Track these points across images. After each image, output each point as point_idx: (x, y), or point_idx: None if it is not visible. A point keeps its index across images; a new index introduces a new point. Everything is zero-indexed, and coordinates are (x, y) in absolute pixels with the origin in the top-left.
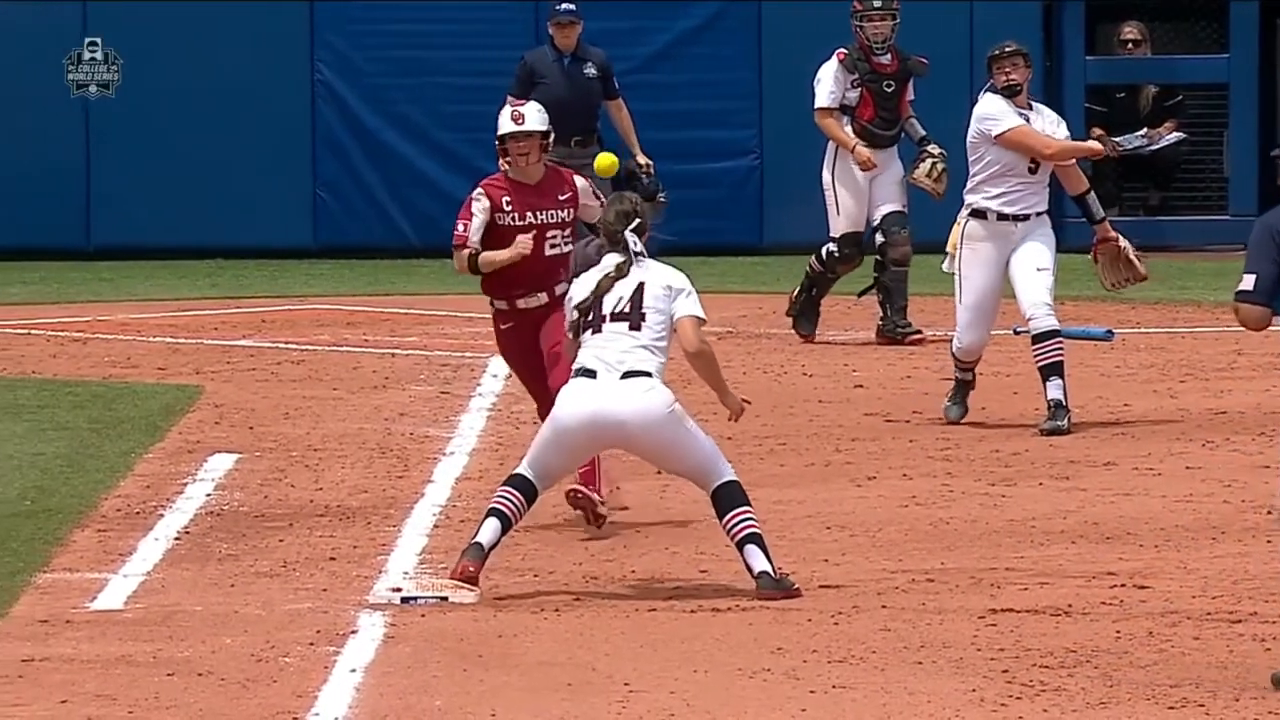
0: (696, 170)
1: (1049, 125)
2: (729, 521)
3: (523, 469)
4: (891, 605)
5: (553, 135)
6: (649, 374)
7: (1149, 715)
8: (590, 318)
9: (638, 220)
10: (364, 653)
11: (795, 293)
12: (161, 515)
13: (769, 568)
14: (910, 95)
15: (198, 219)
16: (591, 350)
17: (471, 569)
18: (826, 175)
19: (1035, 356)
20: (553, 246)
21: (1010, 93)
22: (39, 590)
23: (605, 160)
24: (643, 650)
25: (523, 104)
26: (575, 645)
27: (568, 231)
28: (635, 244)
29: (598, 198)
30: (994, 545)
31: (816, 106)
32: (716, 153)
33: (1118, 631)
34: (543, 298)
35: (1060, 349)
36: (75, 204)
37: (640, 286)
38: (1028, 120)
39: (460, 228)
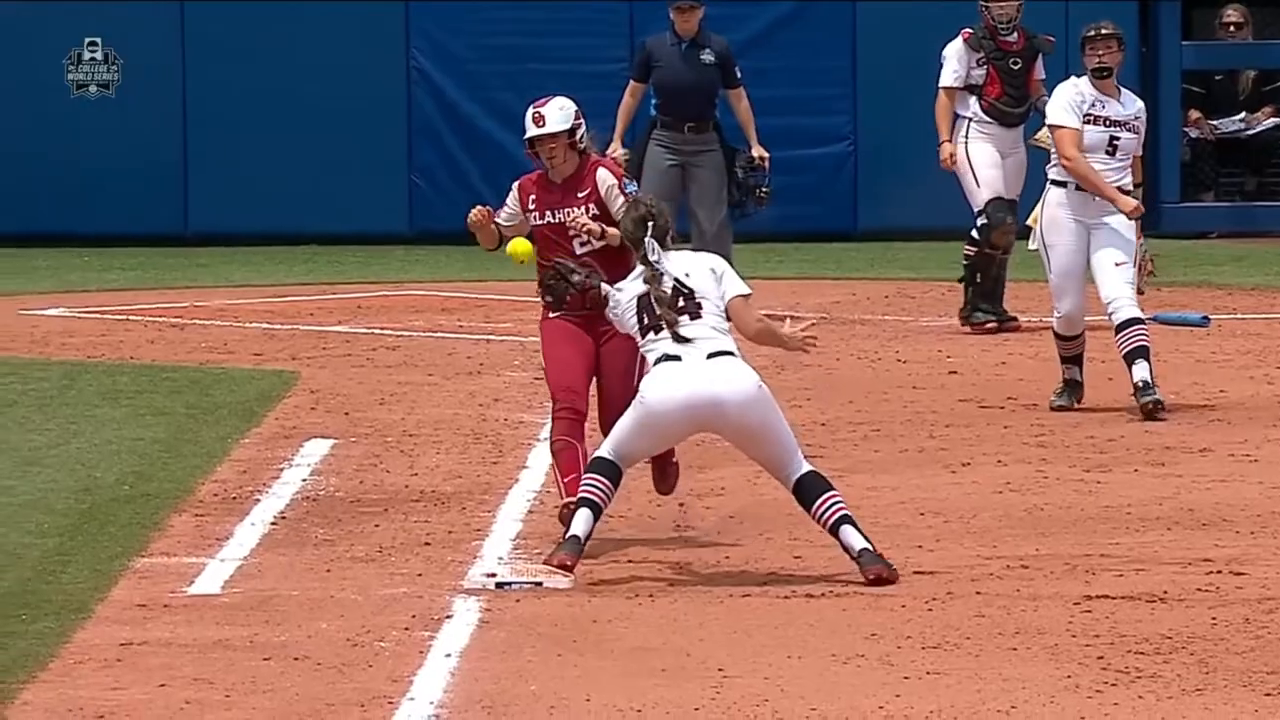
0: (790, 157)
1: (1127, 114)
2: (819, 507)
3: (605, 453)
4: (986, 591)
5: (582, 131)
6: (732, 352)
7: (1245, 702)
8: (648, 321)
9: (653, 224)
10: (459, 638)
11: (965, 291)
12: (258, 500)
13: (869, 544)
14: (1040, 74)
15: (294, 205)
16: (665, 340)
17: (569, 562)
18: (960, 152)
19: (1119, 344)
20: (583, 245)
21: (1099, 75)
22: (137, 575)
23: (518, 247)
24: (737, 636)
25: (546, 102)
26: (669, 631)
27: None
28: (654, 250)
29: (623, 193)
30: (1089, 531)
31: (941, 85)
32: (810, 139)
33: (1213, 618)
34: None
35: (1144, 334)
36: (173, 191)
37: (685, 278)
38: (1102, 106)
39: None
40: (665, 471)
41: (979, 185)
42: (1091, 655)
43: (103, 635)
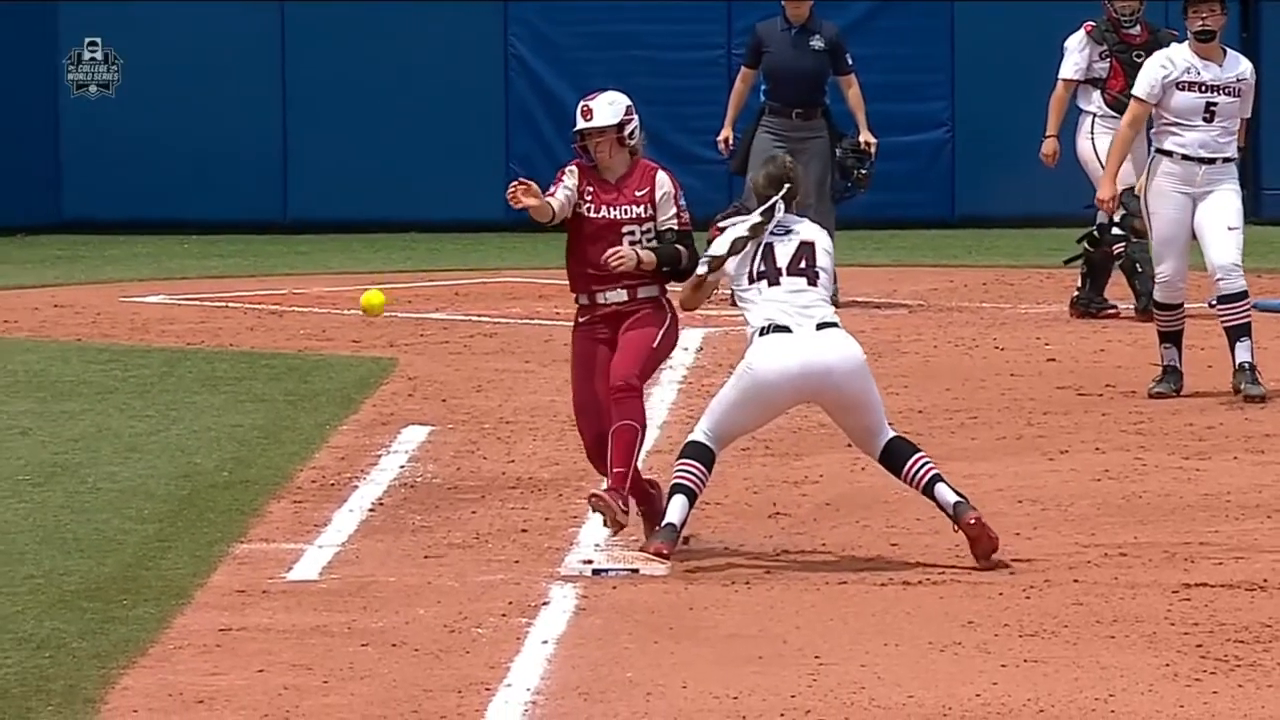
0: (888, 143)
1: (1227, 77)
2: (910, 469)
3: (699, 437)
4: (1084, 579)
5: (633, 127)
6: (838, 324)
7: None
8: (764, 269)
9: (788, 186)
10: (556, 624)
11: (1083, 280)
12: (356, 487)
13: (963, 497)
14: None
15: (392, 193)
16: (774, 304)
17: (665, 550)
18: (1085, 144)
19: (1222, 318)
20: (632, 244)
21: (1202, 38)
22: (236, 561)
23: (372, 299)
24: (833, 623)
25: (596, 95)
26: (766, 618)
27: (647, 229)
28: (780, 210)
29: (677, 204)
30: (1187, 519)
31: (1060, 76)
32: (908, 126)
33: None
34: (623, 294)
35: (1249, 310)
36: (272, 178)
37: (811, 244)
38: (1197, 72)
39: (552, 188)
40: (616, 520)
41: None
42: (1190, 643)
43: (202, 621)
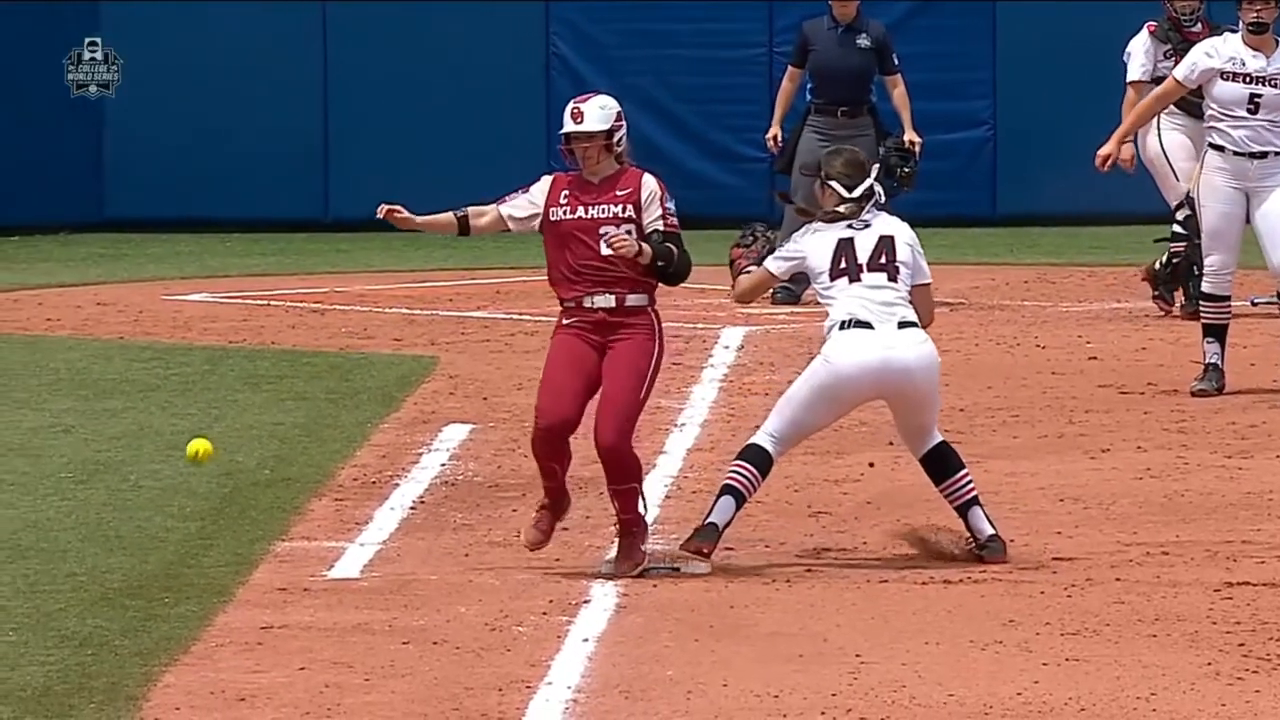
0: (930, 142)
1: (1275, 70)
2: (954, 484)
3: (762, 441)
4: (1125, 578)
5: (621, 135)
6: (917, 324)
7: None
8: (845, 266)
9: (876, 169)
10: (596, 622)
11: (1159, 275)
12: (397, 485)
13: (996, 530)
14: None
15: (434, 191)
16: (855, 299)
17: (705, 550)
18: (1153, 143)
19: None
20: (609, 247)
21: (1254, 30)
22: (278, 558)
23: (197, 447)
24: (874, 622)
25: (588, 98)
26: (806, 616)
27: (627, 230)
28: (878, 195)
29: (663, 205)
30: (1230, 518)
31: (1128, 80)
32: (950, 124)
33: None
34: (610, 300)
35: None
36: (314, 177)
37: (891, 239)
38: (1243, 63)
39: (507, 196)
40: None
41: (1178, 179)
42: (1232, 642)
43: (243, 619)
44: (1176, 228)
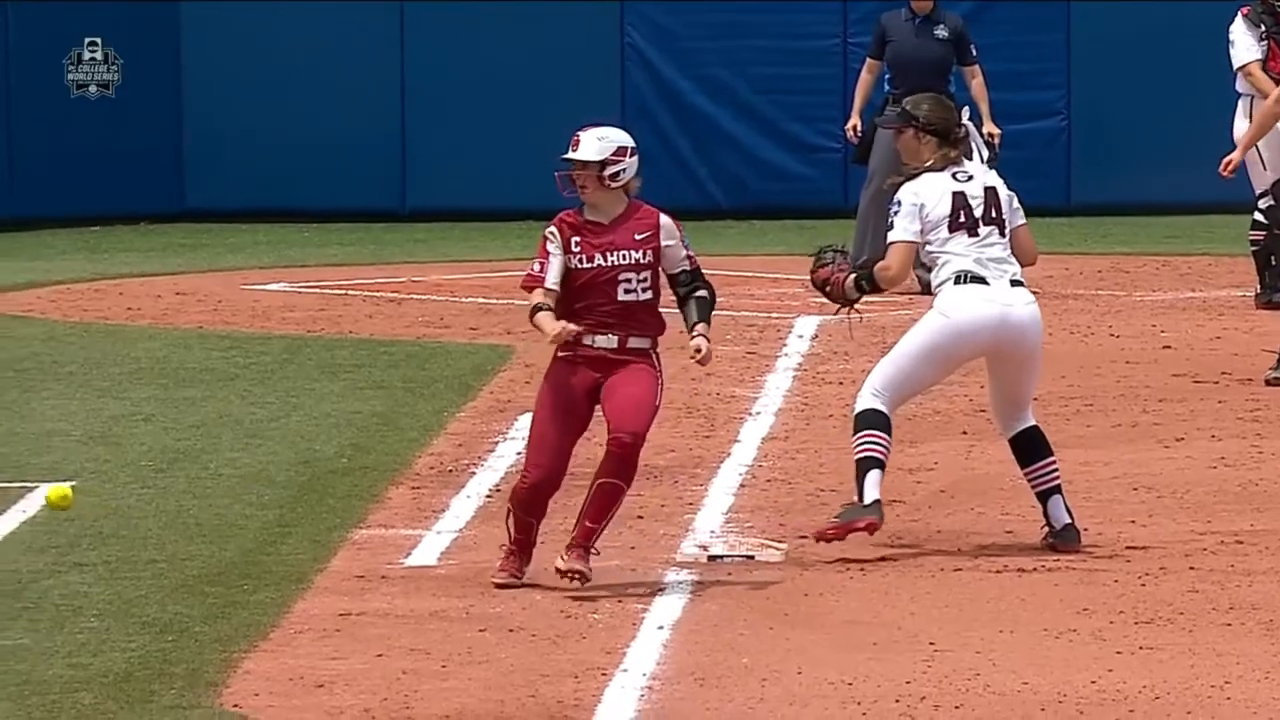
0: (1004, 131)
1: None
2: (1040, 469)
3: (873, 403)
4: (1199, 567)
5: (616, 169)
6: (1024, 283)
7: None
8: (963, 219)
9: (964, 125)
10: (671, 610)
11: (1260, 274)
12: (473, 473)
13: (1073, 520)
14: None
15: (509, 181)
16: (971, 254)
17: (878, 523)
18: (1242, 126)
19: None
20: (628, 292)
21: None
22: (355, 546)
23: (56, 494)
24: (948, 610)
25: (592, 129)
26: (881, 604)
27: (646, 275)
28: (974, 137)
29: (685, 245)
30: None
31: (1240, 65)
32: (1024, 114)
33: None
34: (613, 340)
35: None
36: (391, 167)
37: (994, 190)
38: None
39: (535, 267)
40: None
41: (1265, 168)
42: None
43: (322, 606)
44: (1258, 215)
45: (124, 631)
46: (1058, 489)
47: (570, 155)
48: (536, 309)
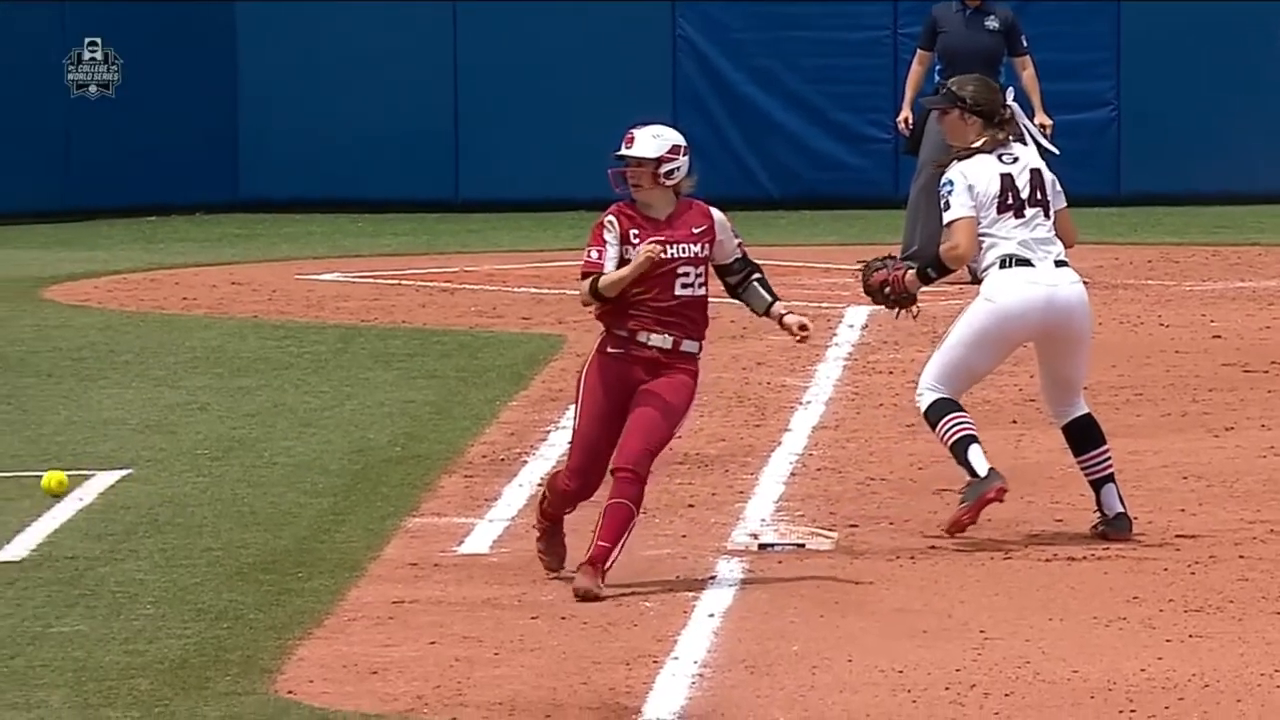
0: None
1: None
2: (1093, 458)
3: (939, 393)
4: (1249, 555)
5: (671, 167)
6: (1068, 263)
7: None
8: (1010, 201)
9: (1009, 107)
10: (722, 598)
11: None
12: (525, 462)
13: (1125, 509)
14: None
15: (561, 172)
16: (1017, 236)
17: (1006, 486)
18: None
19: None
20: (684, 286)
21: None
22: (409, 534)
23: (52, 479)
24: (998, 598)
25: (646, 126)
26: (930, 592)
27: (701, 270)
28: (1019, 116)
29: (736, 235)
30: None
31: None
32: (1073, 104)
33: None
34: (667, 341)
35: None
36: (444, 158)
37: (1039, 171)
38: None
39: (593, 255)
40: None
41: None
42: None
43: (375, 593)
44: None
45: (179, 618)
46: (1111, 478)
47: (626, 152)
48: (595, 278)
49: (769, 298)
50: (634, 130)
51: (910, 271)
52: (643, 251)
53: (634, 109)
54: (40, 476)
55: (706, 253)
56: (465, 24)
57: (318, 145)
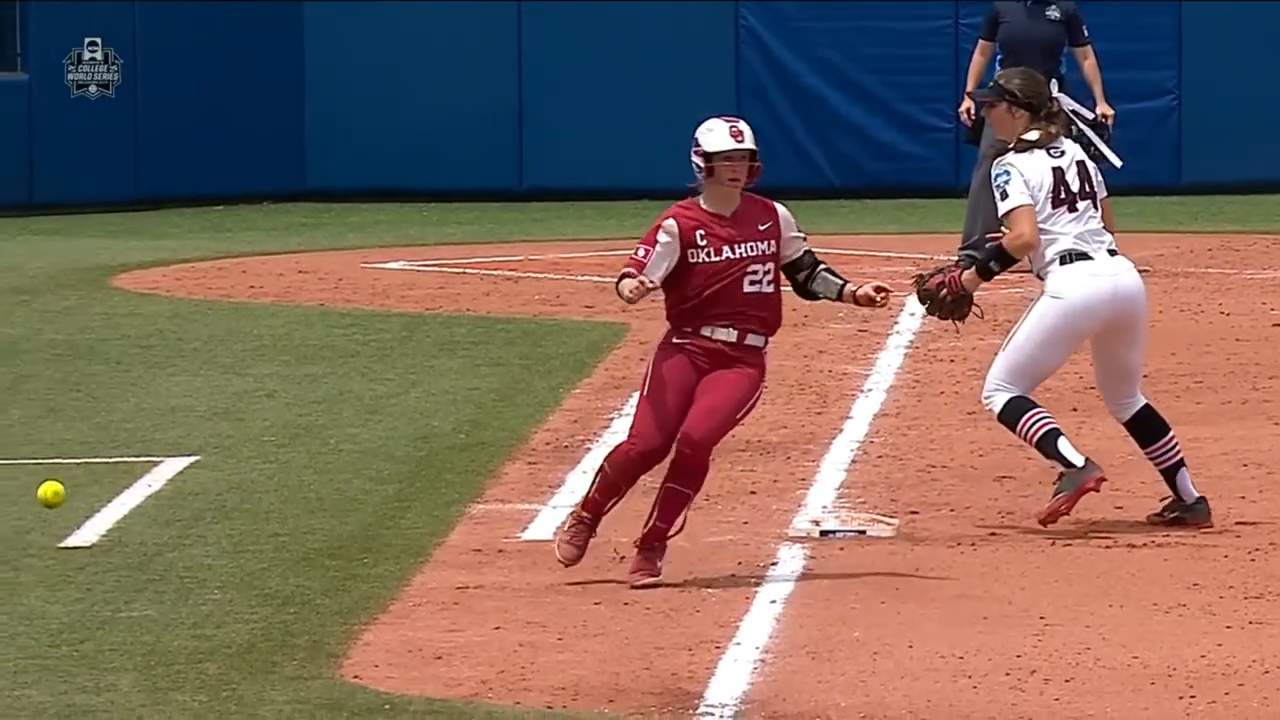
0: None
1: None
2: (1161, 447)
3: (1010, 391)
4: None
5: (760, 163)
6: (1118, 252)
7: None
8: (1064, 195)
9: (1056, 100)
10: (784, 584)
11: None
12: (589, 449)
13: (1203, 497)
14: None
15: (624, 161)
16: (1072, 230)
17: (1103, 475)
18: None
19: None
20: (753, 283)
21: None
22: (473, 520)
23: (46, 492)
24: (1058, 585)
25: (734, 120)
26: (991, 579)
27: (770, 267)
28: (1066, 106)
29: (800, 231)
30: None
31: None
32: (1134, 94)
33: None
34: (733, 334)
35: None
36: (509, 148)
37: (1084, 163)
38: None
39: (639, 253)
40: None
41: None
42: None
43: (440, 579)
44: None
45: (247, 604)
46: (1182, 463)
47: (742, 145)
48: (623, 276)
49: (839, 280)
50: (735, 124)
51: (968, 270)
52: (626, 288)
53: (697, 99)
54: (111, 463)
55: (774, 250)
56: (530, 13)
57: (384, 135)
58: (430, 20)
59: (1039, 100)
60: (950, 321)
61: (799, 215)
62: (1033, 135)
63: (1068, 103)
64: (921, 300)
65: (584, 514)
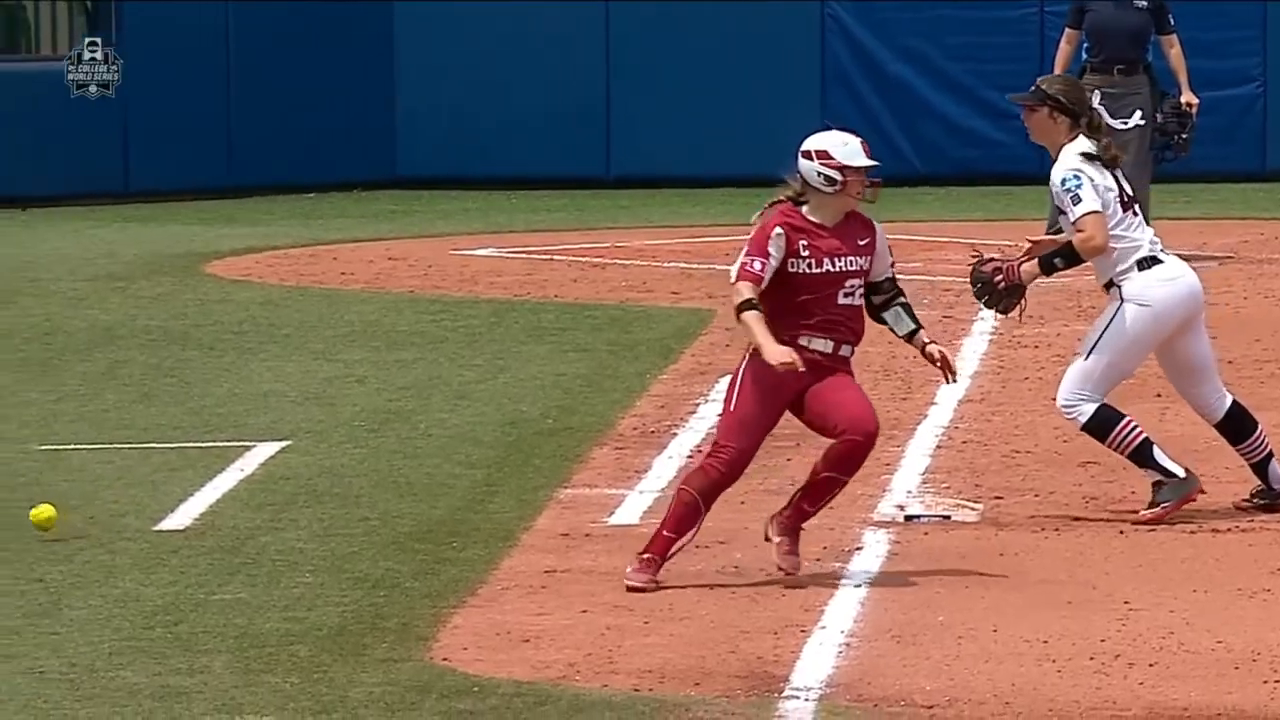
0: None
1: None
2: (1252, 443)
3: (1097, 401)
4: None
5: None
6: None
7: None
8: (1126, 200)
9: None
10: (869, 568)
11: None
12: (675, 434)
13: None
14: None
15: (711, 149)
16: (1143, 236)
17: (1201, 487)
18: None
19: None
20: (846, 295)
21: None
22: (560, 505)
23: (40, 515)
24: (1142, 569)
25: (847, 135)
26: (1075, 564)
27: (862, 281)
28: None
29: (890, 254)
30: None
31: None
32: (1219, 81)
33: None
34: (828, 346)
35: None
36: (596, 136)
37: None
38: None
39: (755, 265)
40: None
41: None
42: None
43: (528, 563)
44: None
45: (337, 587)
46: (1272, 455)
47: (872, 162)
48: (749, 305)
49: (913, 324)
50: (858, 138)
51: (1030, 261)
52: (780, 361)
53: (783, 87)
54: (204, 447)
55: (868, 266)
56: (617, 3)
57: (473, 124)
58: (520, 17)
59: (1080, 107)
60: (994, 311)
61: (885, 203)
62: (1091, 148)
63: (1104, 113)
64: (974, 283)
65: (651, 555)
